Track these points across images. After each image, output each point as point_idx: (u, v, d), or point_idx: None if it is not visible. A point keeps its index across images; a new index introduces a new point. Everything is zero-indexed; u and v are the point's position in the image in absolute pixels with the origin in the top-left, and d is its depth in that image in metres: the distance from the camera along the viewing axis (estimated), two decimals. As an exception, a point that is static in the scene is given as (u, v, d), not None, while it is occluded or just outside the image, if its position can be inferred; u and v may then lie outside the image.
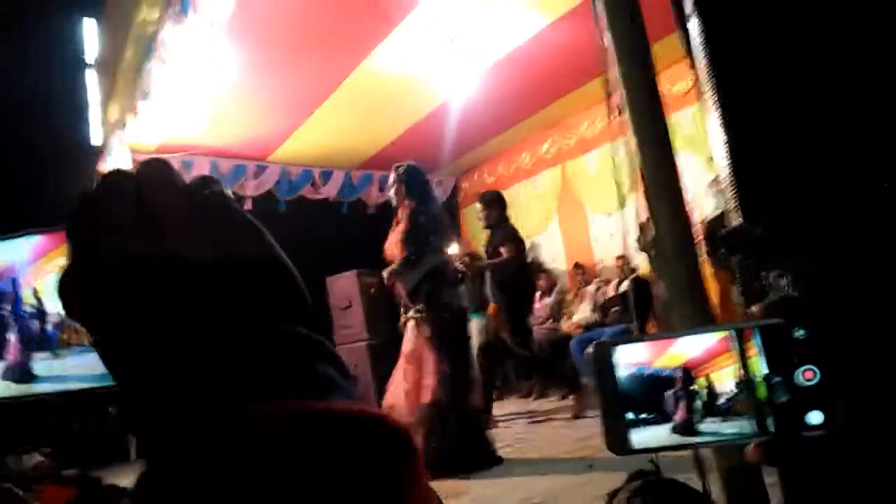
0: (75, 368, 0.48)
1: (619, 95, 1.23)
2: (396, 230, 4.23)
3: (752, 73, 1.21)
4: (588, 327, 6.55)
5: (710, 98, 1.25)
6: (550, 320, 7.15)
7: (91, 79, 6.37)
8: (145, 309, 0.33)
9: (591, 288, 6.92)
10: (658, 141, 1.19)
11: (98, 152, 6.54)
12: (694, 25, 1.24)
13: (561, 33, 5.16)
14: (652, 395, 0.47)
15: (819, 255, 1.10)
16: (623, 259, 5.99)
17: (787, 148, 1.16)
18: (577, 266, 7.41)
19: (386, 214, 8.44)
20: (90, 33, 6.21)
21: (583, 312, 6.78)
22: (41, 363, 0.50)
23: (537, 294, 7.44)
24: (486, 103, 6.47)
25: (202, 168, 7.32)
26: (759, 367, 0.47)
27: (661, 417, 0.47)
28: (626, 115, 1.28)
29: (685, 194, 1.33)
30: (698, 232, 5.60)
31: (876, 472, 0.47)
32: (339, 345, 7.24)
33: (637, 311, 5.01)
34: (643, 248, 2.00)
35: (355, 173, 8.44)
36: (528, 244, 8.09)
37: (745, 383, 0.47)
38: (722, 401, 0.47)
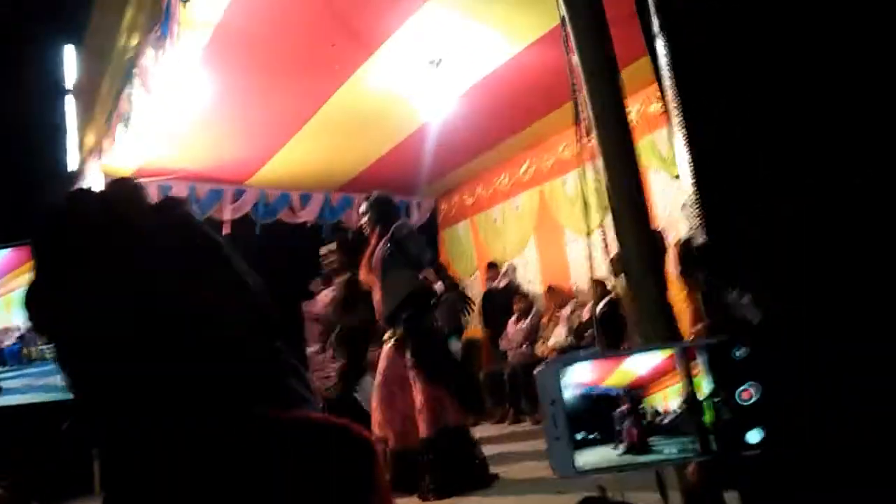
0: (38, 382, 0.50)
1: (587, 116, 1.27)
2: (368, 258, 4.26)
3: (715, 91, 1.24)
4: (563, 351, 6.55)
5: (674, 116, 1.28)
6: (525, 344, 7.15)
7: (69, 105, 6.35)
8: (109, 321, 0.34)
9: (566, 311, 6.94)
10: (624, 159, 1.23)
11: (74, 177, 6.50)
12: (660, 45, 1.28)
13: (537, 56, 5.25)
14: (599, 414, 0.48)
15: (781, 272, 1.13)
16: (597, 282, 6.03)
17: (751, 165, 1.19)
18: (550, 289, 7.43)
19: (366, 238, 8.47)
20: (69, 60, 6.20)
21: (557, 336, 6.80)
22: (5, 377, 0.51)
23: (513, 317, 7.45)
24: (464, 125, 6.53)
25: (180, 193, 7.29)
26: (704, 386, 0.48)
27: (609, 437, 0.48)
28: (594, 136, 1.32)
29: (659, 216, 1.36)
30: (671, 253, 5.67)
31: (822, 484, 0.47)
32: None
33: (611, 333, 5.05)
34: (615, 272, 2.03)
35: (335, 196, 8.44)
36: (505, 267, 8.13)
37: (690, 402, 0.48)
38: (668, 420, 0.48)
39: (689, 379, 0.49)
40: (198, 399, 0.34)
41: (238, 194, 7.73)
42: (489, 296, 7.99)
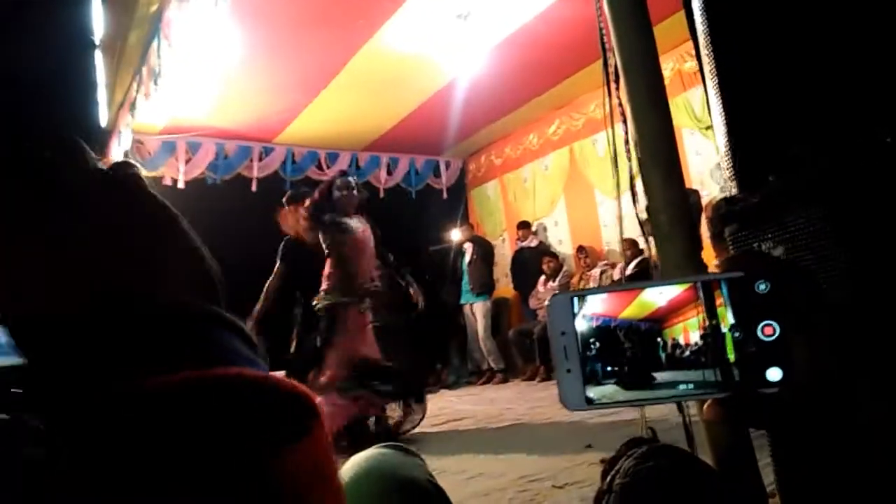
0: None
1: (615, 63, 1.21)
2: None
3: (751, 45, 1.18)
4: (594, 310, 6.53)
5: (707, 68, 1.22)
6: (555, 303, 7.14)
7: (98, 60, 6.36)
8: (46, 283, 0.34)
9: (596, 272, 6.89)
10: (654, 106, 1.17)
11: (107, 133, 6.55)
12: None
13: (569, 10, 5.10)
14: (615, 346, 0.46)
15: (816, 223, 1.08)
16: (629, 241, 5.95)
17: (786, 120, 1.13)
18: (580, 249, 7.38)
19: (395, 198, 8.47)
20: (97, 13, 6.19)
21: (588, 296, 6.77)
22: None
23: (542, 278, 7.43)
24: (492, 83, 6.42)
25: (208, 150, 7.33)
26: (725, 320, 0.45)
27: (623, 371, 0.46)
28: (624, 86, 1.26)
29: (693, 177, 1.30)
30: (705, 216, 5.56)
31: (837, 433, 0.45)
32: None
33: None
34: (646, 232, 1.98)
35: (362, 155, 8.42)
36: (534, 226, 8.09)
37: (710, 337, 0.46)
38: (686, 354, 0.45)
39: (712, 311, 0.46)
40: (129, 362, 0.32)
41: (266, 152, 7.74)
42: (519, 255, 7.97)
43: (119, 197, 0.37)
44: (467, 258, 7.88)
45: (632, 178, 1.30)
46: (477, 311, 7.78)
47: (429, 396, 7.03)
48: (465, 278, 7.87)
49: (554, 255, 7.64)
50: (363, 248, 4.43)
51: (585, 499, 2.35)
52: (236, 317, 0.38)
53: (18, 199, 0.35)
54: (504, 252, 8.64)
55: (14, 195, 0.35)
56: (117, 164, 0.39)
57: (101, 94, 6.22)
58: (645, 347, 0.45)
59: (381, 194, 8.51)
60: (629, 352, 0.45)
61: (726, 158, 1.19)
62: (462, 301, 7.96)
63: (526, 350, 7.12)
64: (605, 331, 0.45)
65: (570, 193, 7.96)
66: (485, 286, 7.84)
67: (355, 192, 4.47)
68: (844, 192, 1.05)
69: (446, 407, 5.74)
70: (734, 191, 1.17)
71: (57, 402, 0.33)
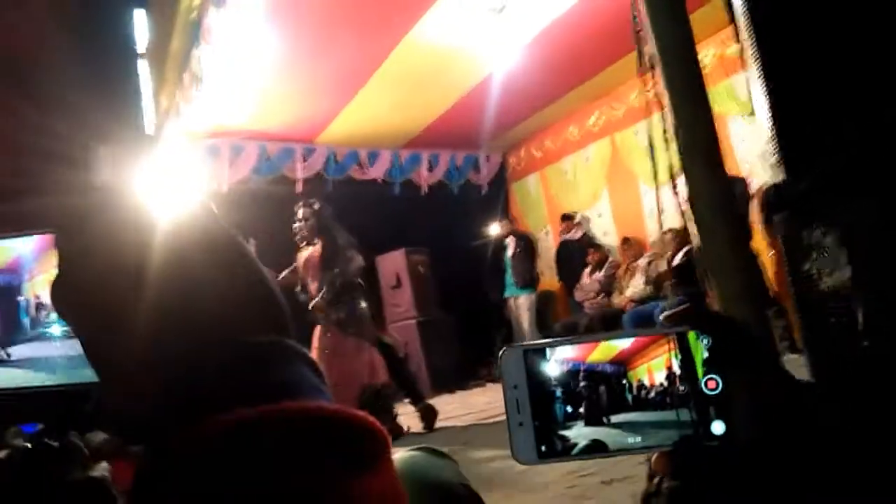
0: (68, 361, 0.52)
1: (651, 47, 1.18)
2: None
3: (794, 29, 1.14)
4: (642, 301, 6.44)
5: (751, 56, 1.19)
6: (601, 295, 7.06)
7: (143, 68, 6.52)
8: (128, 320, 0.35)
9: (643, 262, 6.78)
10: (692, 97, 1.14)
11: (152, 140, 6.71)
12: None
13: (604, 1, 5.02)
14: (569, 397, 0.46)
15: (868, 211, 1.03)
16: (672, 231, 5.84)
17: (832, 102, 1.09)
18: (625, 241, 7.27)
19: (437, 195, 8.48)
20: (140, 24, 6.35)
21: (635, 286, 6.67)
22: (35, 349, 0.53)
23: (587, 269, 7.35)
24: (530, 75, 6.36)
25: (251, 152, 7.44)
26: (672, 373, 0.46)
27: (576, 421, 0.46)
28: (660, 73, 1.23)
29: (740, 163, 1.26)
30: (755, 203, 5.42)
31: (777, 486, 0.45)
32: (390, 322, 7.32)
33: (690, 283, 4.89)
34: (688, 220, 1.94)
35: (403, 153, 8.44)
36: (578, 218, 7.99)
37: (657, 391, 0.47)
38: (634, 408, 0.46)
39: (661, 366, 0.47)
40: (202, 398, 0.33)
41: (308, 152, 7.82)
42: (564, 248, 7.90)
43: (201, 236, 0.39)
44: (510, 251, 7.84)
45: (671, 168, 1.27)
46: (521, 305, 7.75)
47: (476, 390, 7.07)
48: (509, 272, 7.85)
49: (598, 247, 7.55)
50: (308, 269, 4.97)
51: (634, 495, 2.32)
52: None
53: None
54: (548, 245, 8.57)
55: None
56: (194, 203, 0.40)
57: (148, 102, 6.38)
58: (609, 390, 0.46)
59: (425, 191, 8.53)
60: (590, 393, 0.46)
61: (772, 143, 1.15)
62: (506, 294, 7.94)
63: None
64: (560, 380, 0.46)
65: (614, 184, 7.85)
66: (528, 279, 7.80)
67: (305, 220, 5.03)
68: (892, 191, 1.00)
69: (493, 402, 5.72)
70: (782, 177, 1.13)
71: (141, 435, 0.35)
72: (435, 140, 8.24)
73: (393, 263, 7.79)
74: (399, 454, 0.79)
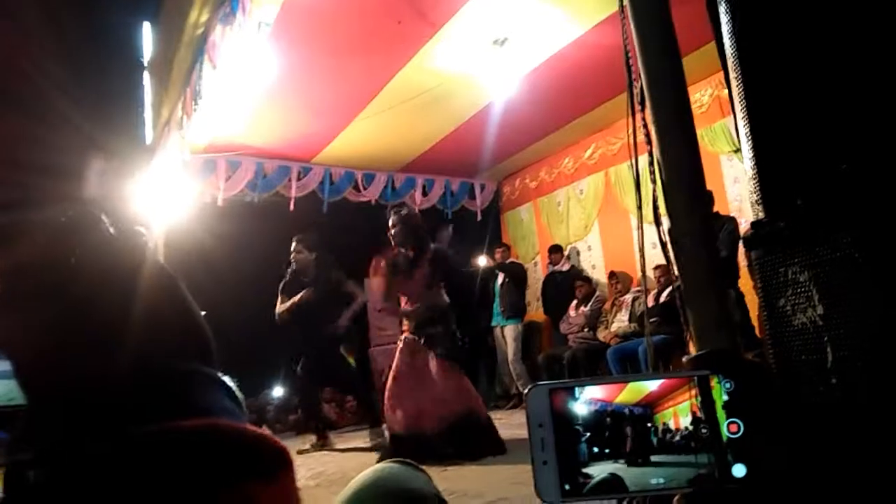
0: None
1: (640, 84, 1.22)
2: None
3: (777, 66, 1.18)
4: (626, 337, 6.45)
5: (735, 92, 1.23)
6: (586, 328, 7.07)
7: (146, 80, 6.57)
8: (53, 343, 0.37)
9: (628, 297, 6.81)
10: (679, 132, 1.18)
11: (150, 151, 6.73)
12: (724, 20, 1.22)
13: (603, 37, 5.12)
14: (595, 436, 0.46)
15: (844, 249, 1.06)
16: (661, 268, 5.88)
17: (811, 141, 1.13)
18: (612, 275, 7.30)
19: (430, 219, 8.51)
20: (146, 36, 6.41)
21: (620, 322, 6.69)
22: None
23: (573, 302, 7.37)
24: (528, 107, 6.45)
25: (248, 168, 7.48)
26: (697, 417, 0.46)
27: (603, 459, 0.46)
28: (649, 108, 1.27)
29: (731, 204, 1.29)
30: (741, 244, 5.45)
31: None
32: (375, 345, 7.32)
33: (675, 321, 4.92)
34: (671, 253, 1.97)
35: (398, 176, 8.50)
36: (567, 250, 8.05)
37: (682, 434, 0.46)
38: (658, 450, 0.46)
39: (683, 410, 0.47)
40: (116, 417, 0.36)
41: (304, 171, 7.86)
42: (551, 279, 7.92)
43: (129, 265, 0.41)
44: (499, 280, 7.86)
45: (655, 201, 1.30)
46: (507, 334, 7.75)
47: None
48: (497, 301, 7.86)
49: (586, 280, 7.57)
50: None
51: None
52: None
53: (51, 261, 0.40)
54: (537, 275, 8.60)
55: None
56: (135, 231, 0.43)
57: (147, 113, 6.41)
58: (634, 431, 0.46)
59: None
60: (616, 435, 0.46)
61: (753, 182, 1.18)
62: (493, 323, 7.94)
63: (555, 375, 7.05)
64: (587, 421, 0.46)
65: (605, 218, 7.91)
66: (516, 309, 7.81)
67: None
68: (874, 217, 1.03)
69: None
70: (761, 215, 1.16)
71: (61, 444, 0.37)
72: (431, 165, 8.31)
73: (381, 286, 7.77)
74: (376, 465, 0.82)
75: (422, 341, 4.69)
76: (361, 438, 5.66)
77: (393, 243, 4.88)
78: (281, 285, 5.71)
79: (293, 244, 5.79)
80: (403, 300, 4.94)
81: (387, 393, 4.72)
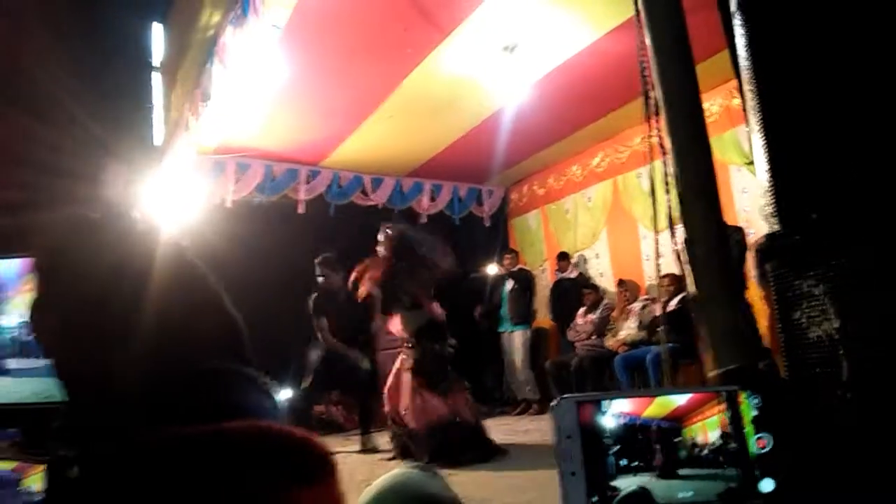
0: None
1: (656, 96, 1.21)
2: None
3: (792, 78, 1.17)
4: (634, 345, 6.43)
5: (749, 104, 1.22)
6: (594, 336, 7.05)
7: (156, 81, 6.60)
8: (97, 344, 0.37)
9: (637, 305, 6.79)
10: (694, 143, 1.17)
11: (160, 152, 6.76)
12: (738, 30, 1.21)
13: (614, 45, 5.12)
14: (622, 449, 0.46)
15: (862, 262, 1.05)
16: (670, 277, 5.86)
17: (826, 155, 1.12)
18: (620, 283, 7.28)
19: (438, 225, 8.52)
20: (157, 37, 6.44)
21: (628, 329, 6.66)
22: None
23: (581, 310, 7.35)
24: (537, 114, 6.44)
25: (257, 171, 7.50)
26: (726, 432, 0.46)
27: (631, 472, 0.46)
28: (664, 120, 1.26)
29: (740, 214, 1.29)
30: (751, 256, 5.45)
31: None
32: (382, 350, 7.32)
33: (683, 330, 4.89)
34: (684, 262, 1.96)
35: (405, 181, 8.50)
36: (575, 257, 8.03)
37: (711, 448, 0.46)
38: (686, 464, 0.46)
39: (715, 421, 0.46)
40: (151, 419, 0.36)
41: (313, 175, 7.88)
42: (559, 286, 7.90)
43: (167, 266, 0.41)
44: (508, 286, 7.85)
45: (670, 211, 1.29)
46: (515, 341, 7.73)
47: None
48: (505, 307, 7.85)
49: (594, 287, 7.55)
50: None
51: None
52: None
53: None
54: (545, 282, 8.59)
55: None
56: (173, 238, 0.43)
57: (158, 114, 6.45)
58: (663, 445, 0.45)
59: (423, 220, 8.56)
60: (644, 448, 0.45)
61: (769, 194, 1.17)
62: (501, 329, 7.93)
63: (563, 382, 7.02)
64: (624, 428, 0.46)
65: (613, 226, 7.89)
66: (524, 315, 7.79)
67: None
68: (890, 232, 1.02)
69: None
70: (776, 227, 1.16)
71: (105, 441, 0.38)
72: (439, 171, 8.31)
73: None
74: (395, 470, 0.83)
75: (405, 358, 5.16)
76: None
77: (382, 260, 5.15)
78: (312, 305, 5.73)
79: (317, 268, 5.82)
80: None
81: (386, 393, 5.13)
